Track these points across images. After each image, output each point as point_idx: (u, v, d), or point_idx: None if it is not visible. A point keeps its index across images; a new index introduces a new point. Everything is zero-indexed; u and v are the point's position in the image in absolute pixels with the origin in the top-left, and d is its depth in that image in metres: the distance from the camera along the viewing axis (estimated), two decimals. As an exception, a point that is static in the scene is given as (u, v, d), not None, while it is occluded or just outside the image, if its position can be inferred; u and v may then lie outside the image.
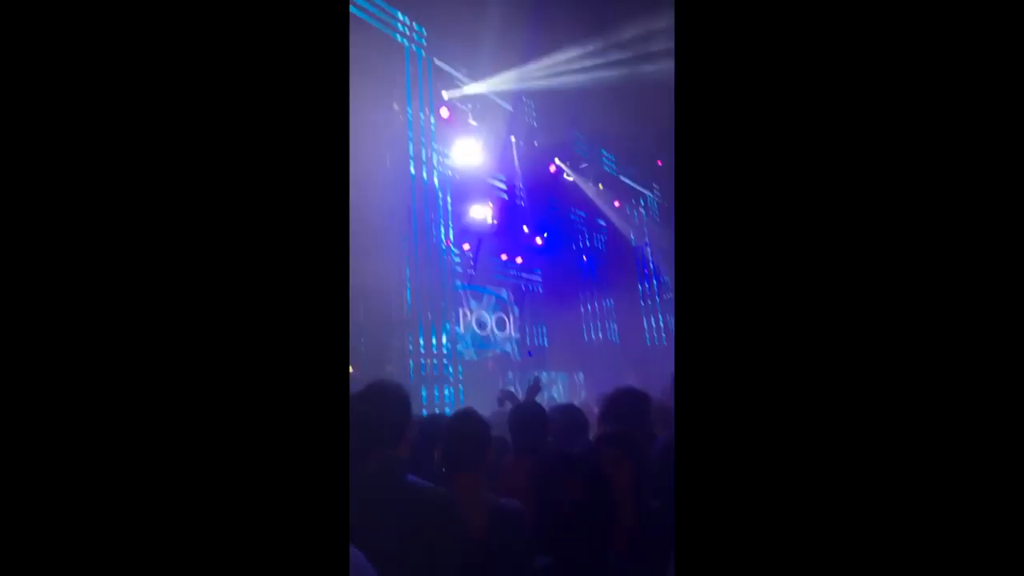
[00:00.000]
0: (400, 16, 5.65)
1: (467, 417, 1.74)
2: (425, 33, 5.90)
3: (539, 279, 8.13)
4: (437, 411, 5.04)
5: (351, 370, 4.61)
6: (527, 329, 7.81)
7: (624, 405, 2.21)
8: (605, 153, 8.13)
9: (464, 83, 6.34)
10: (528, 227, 7.69)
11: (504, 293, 7.51)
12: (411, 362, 5.23)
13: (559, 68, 5.97)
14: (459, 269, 6.69)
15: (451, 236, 6.28)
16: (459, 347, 6.39)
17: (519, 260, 7.77)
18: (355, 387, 1.50)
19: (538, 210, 7.82)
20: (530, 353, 7.63)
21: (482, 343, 6.91)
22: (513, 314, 7.51)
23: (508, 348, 7.40)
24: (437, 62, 6.09)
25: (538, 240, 7.84)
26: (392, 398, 1.44)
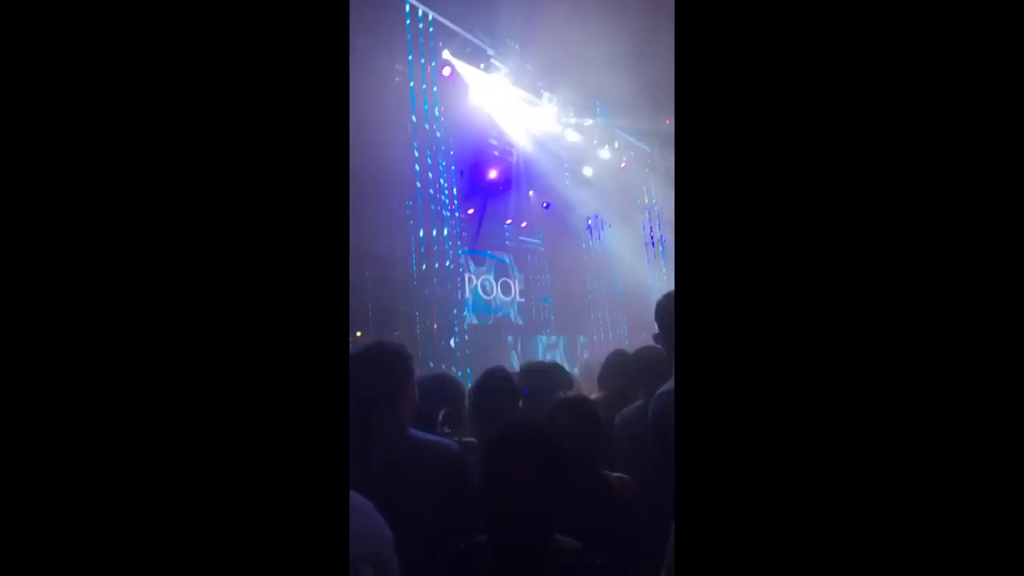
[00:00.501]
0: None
1: (497, 373, 1.96)
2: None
3: (540, 243, 8.10)
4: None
5: (358, 334, 4.68)
6: (531, 295, 7.85)
7: (613, 366, 2.28)
8: (601, 107, 7.90)
9: (468, 40, 6.16)
10: (533, 191, 7.62)
11: (507, 258, 7.50)
12: (417, 327, 5.30)
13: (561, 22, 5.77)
14: (463, 233, 6.68)
15: (455, 200, 6.24)
16: (464, 312, 6.45)
17: (524, 225, 7.73)
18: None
19: (542, 173, 7.73)
20: (547, 205, 7.61)
21: (486, 307, 6.96)
22: (516, 279, 7.53)
23: (511, 312, 7.45)
24: (438, 17, 5.91)
25: (543, 205, 7.77)
26: (393, 357, 1.49)
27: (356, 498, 0.99)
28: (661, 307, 1.72)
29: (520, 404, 1.99)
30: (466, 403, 1.98)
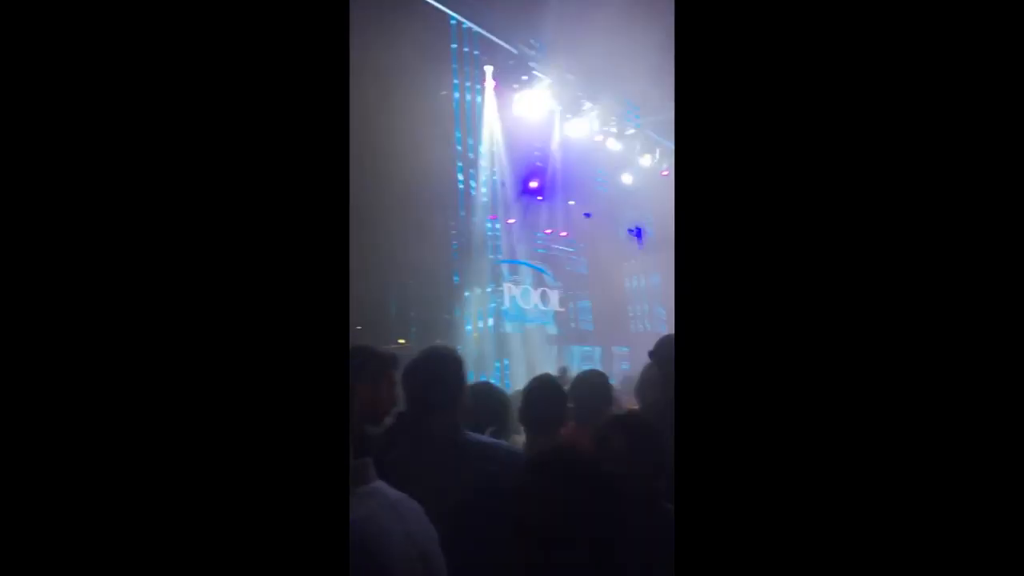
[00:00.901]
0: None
1: (546, 382, 1.97)
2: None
3: (581, 253, 8.08)
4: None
5: (400, 342, 4.79)
6: (570, 304, 7.82)
7: (653, 377, 2.20)
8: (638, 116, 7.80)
9: (510, 52, 6.25)
10: (574, 201, 7.62)
11: (545, 267, 7.53)
12: (459, 334, 5.38)
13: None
14: (502, 243, 6.74)
15: (495, 210, 6.31)
16: (502, 320, 6.49)
17: (564, 234, 7.73)
18: (407, 359, 1.64)
19: (583, 182, 7.72)
20: (588, 214, 7.53)
21: (524, 317, 6.99)
22: (552, 288, 7.53)
23: (548, 322, 7.45)
24: (483, 32, 6.03)
25: (584, 215, 7.75)
26: (449, 362, 1.53)
27: (409, 501, 1.04)
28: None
29: (567, 412, 1.99)
30: (511, 412, 2.01)
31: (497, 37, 6.13)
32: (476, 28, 5.93)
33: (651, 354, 2.17)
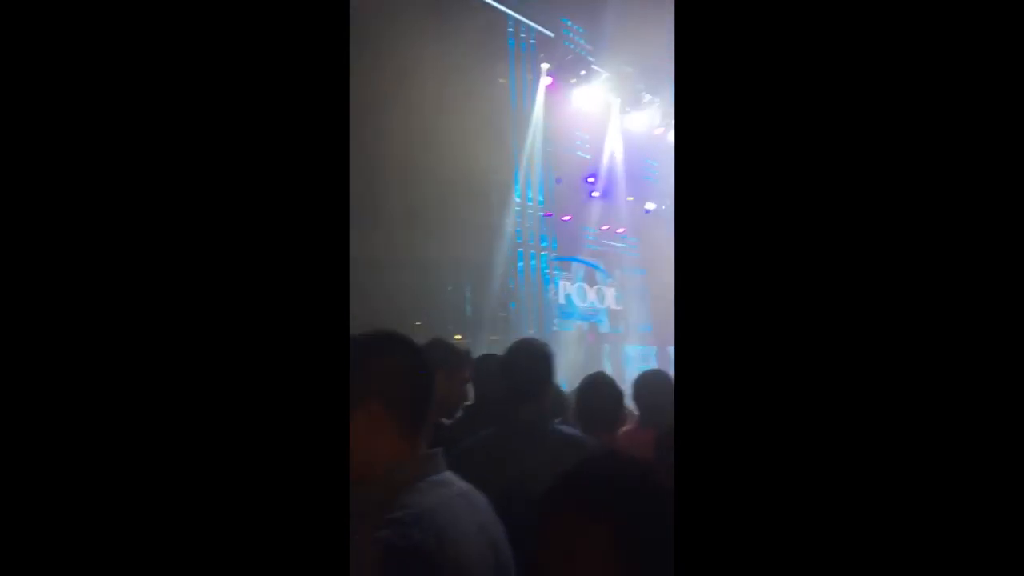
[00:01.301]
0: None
1: (602, 380, 1.95)
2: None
3: (635, 248, 7.91)
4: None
5: (458, 337, 4.88)
6: (625, 302, 7.70)
7: None
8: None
9: (568, 48, 6.21)
10: (632, 196, 7.48)
11: (600, 264, 7.44)
12: (512, 332, 5.41)
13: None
14: (558, 240, 6.72)
15: (553, 207, 6.30)
16: (556, 318, 6.48)
17: (621, 230, 7.61)
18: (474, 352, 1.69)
19: (641, 177, 7.57)
20: (647, 210, 7.45)
21: (578, 314, 6.94)
22: (607, 284, 7.43)
23: (601, 319, 7.37)
24: (540, 29, 6.02)
25: (649, 205, 7.57)
26: (538, 353, 1.59)
27: (476, 492, 1.05)
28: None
29: (625, 413, 1.98)
30: (569, 407, 2.00)
31: (552, 32, 6.10)
32: (534, 25, 5.93)
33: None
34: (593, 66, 6.37)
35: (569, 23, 6.30)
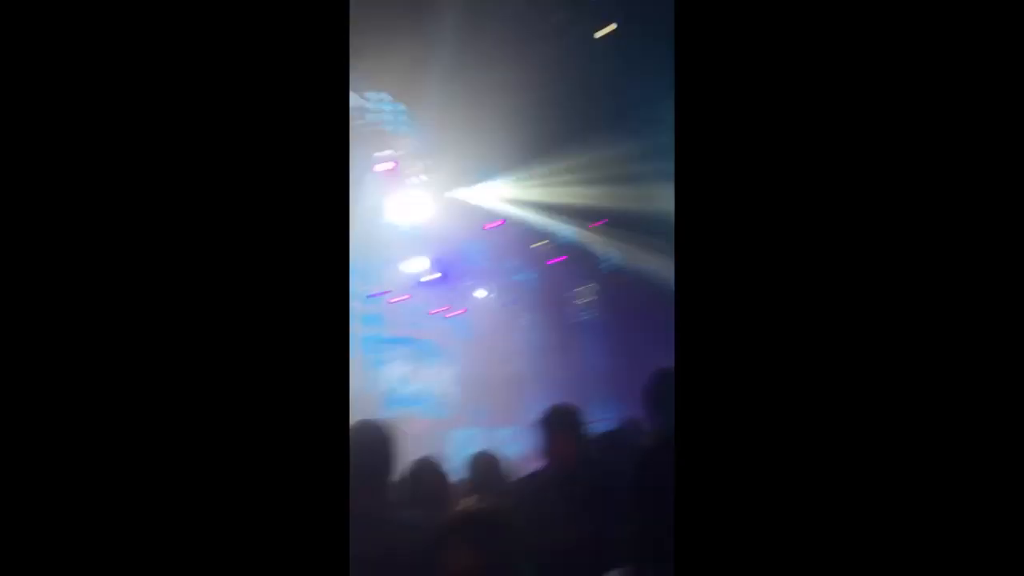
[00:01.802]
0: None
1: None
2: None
3: (471, 323, 7.95)
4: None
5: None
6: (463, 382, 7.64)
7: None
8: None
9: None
10: (472, 282, 7.60)
11: (430, 343, 7.35)
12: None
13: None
14: (383, 322, 6.54)
15: (384, 291, 6.15)
16: (382, 404, 6.20)
17: (463, 311, 7.62)
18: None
19: (478, 263, 7.78)
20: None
21: (401, 400, 6.72)
22: (436, 366, 7.35)
23: (428, 404, 7.22)
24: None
25: (479, 293, 7.72)
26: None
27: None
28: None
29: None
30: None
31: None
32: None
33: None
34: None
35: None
